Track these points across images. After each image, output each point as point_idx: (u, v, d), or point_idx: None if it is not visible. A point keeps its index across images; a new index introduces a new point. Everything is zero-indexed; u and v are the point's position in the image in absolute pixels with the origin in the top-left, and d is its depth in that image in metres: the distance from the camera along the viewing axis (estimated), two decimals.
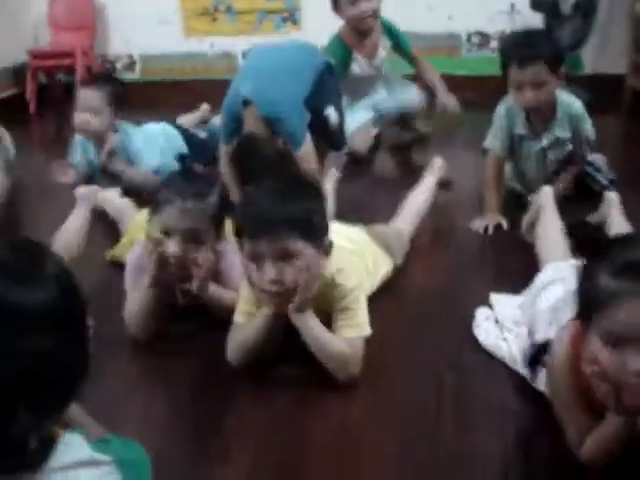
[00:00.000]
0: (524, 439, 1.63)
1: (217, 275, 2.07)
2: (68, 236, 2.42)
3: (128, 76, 5.31)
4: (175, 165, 3.08)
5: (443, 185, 2.82)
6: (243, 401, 1.78)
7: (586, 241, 2.12)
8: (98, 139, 3.21)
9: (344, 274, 1.82)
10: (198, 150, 3.36)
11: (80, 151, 3.29)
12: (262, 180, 1.87)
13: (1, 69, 4.97)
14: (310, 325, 1.78)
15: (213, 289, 2.03)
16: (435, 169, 2.78)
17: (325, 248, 1.78)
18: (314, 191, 1.84)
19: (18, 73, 5.13)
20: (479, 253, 2.57)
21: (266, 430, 1.68)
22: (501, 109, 2.82)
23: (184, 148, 3.35)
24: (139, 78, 5.25)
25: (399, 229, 2.44)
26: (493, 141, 2.84)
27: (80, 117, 3.14)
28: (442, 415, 1.69)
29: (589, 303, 1.33)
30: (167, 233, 1.93)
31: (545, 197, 2.46)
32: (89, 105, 3.13)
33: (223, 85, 4.02)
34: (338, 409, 1.73)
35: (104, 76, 3.63)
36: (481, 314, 2.06)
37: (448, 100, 3.69)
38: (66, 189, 2.92)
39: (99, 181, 3.10)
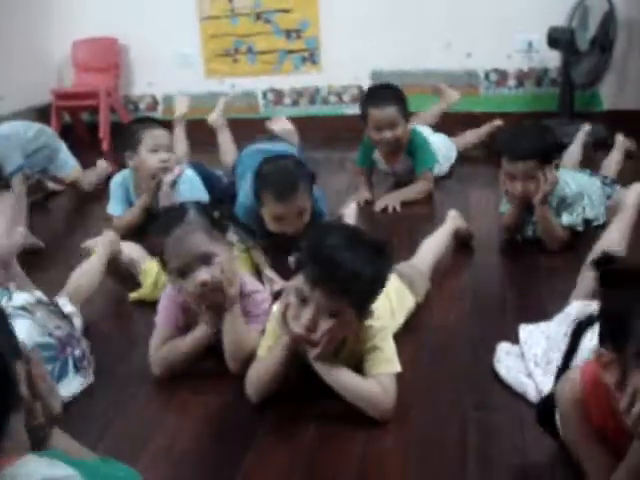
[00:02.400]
0: (546, 478, 1.62)
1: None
2: (82, 278, 2.41)
3: (151, 116, 5.40)
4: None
5: (463, 239, 2.85)
6: (264, 438, 1.79)
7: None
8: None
9: (372, 315, 1.84)
10: (217, 189, 3.40)
11: (121, 195, 3.30)
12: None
13: (26, 109, 5.06)
14: (334, 373, 1.80)
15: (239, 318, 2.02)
16: (451, 218, 2.80)
17: (366, 314, 1.80)
18: (386, 258, 1.82)
19: (42, 113, 5.22)
20: (499, 289, 2.57)
21: (287, 467, 1.68)
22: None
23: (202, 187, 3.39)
24: (161, 118, 5.33)
25: (421, 268, 2.45)
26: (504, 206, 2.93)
27: (159, 157, 3.15)
28: (466, 452, 1.68)
29: (629, 345, 1.29)
30: (183, 272, 1.95)
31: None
32: (164, 143, 3.19)
33: (244, 124, 4.10)
34: (360, 447, 1.73)
35: (154, 119, 3.65)
36: (502, 350, 2.06)
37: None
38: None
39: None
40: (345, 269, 1.67)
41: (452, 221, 2.79)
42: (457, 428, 1.77)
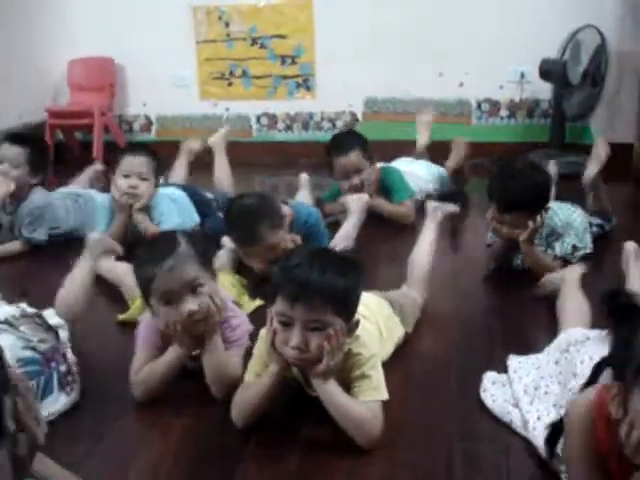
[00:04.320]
0: None
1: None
2: (71, 291, 2.37)
3: (144, 136, 5.43)
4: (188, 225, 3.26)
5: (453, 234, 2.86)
6: (250, 462, 1.79)
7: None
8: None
9: (359, 341, 1.85)
10: (207, 212, 3.47)
11: (105, 215, 3.38)
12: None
13: (20, 126, 5.07)
14: (332, 392, 1.80)
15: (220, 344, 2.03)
16: (432, 217, 2.82)
17: (352, 325, 1.82)
18: (357, 269, 1.86)
19: (36, 131, 5.23)
20: (485, 319, 2.58)
21: None
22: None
23: (192, 209, 3.44)
24: (155, 139, 5.36)
25: (414, 297, 2.46)
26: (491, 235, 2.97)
27: (129, 182, 3.24)
28: None
29: (629, 368, 1.32)
30: (168, 300, 1.96)
31: (572, 274, 2.49)
32: (137, 171, 3.26)
33: (237, 147, 4.11)
34: (346, 475, 1.72)
35: (144, 145, 3.70)
36: (488, 379, 2.06)
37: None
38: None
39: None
40: (320, 278, 1.72)
41: (435, 218, 2.80)
42: (443, 458, 1.77)
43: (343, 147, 3.57)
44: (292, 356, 1.76)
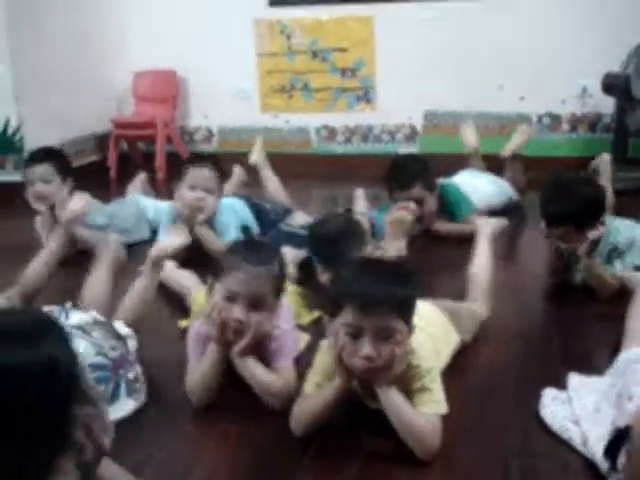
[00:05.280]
0: None
1: (264, 352, 2.10)
2: (95, 290, 2.48)
3: (206, 147, 5.53)
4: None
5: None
6: (308, 472, 1.80)
7: None
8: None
9: (416, 354, 1.86)
10: (266, 222, 3.54)
11: (166, 223, 3.40)
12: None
13: (87, 136, 5.23)
14: (395, 400, 1.81)
15: (253, 363, 2.05)
16: (482, 231, 2.82)
17: (412, 327, 1.84)
18: (415, 276, 1.92)
19: (101, 141, 5.38)
20: (546, 333, 2.56)
21: None
22: None
23: (253, 220, 3.52)
24: (216, 150, 5.44)
25: (474, 309, 2.47)
26: None
27: (196, 195, 3.28)
28: None
29: None
30: (231, 298, 2.00)
31: None
32: (204, 184, 3.30)
33: (296, 159, 4.16)
34: None
35: (209, 158, 3.76)
36: (548, 395, 2.05)
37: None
38: None
39: None
40: (387, 287, 1.76)
41: (485, 233, 2.81)
42: (500, 472, 1.77)
43: (405, 181, 3.46)
44: (361, 367, 1.77)
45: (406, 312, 1.81)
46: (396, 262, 2.13)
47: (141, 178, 4.27)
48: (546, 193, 2.82)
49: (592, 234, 2.65)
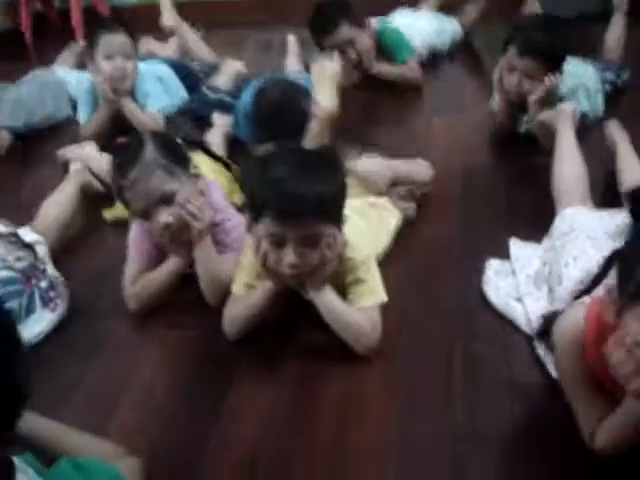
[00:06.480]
0: (532, 416, 1.58)
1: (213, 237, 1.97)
2: (52, 208, 2.28)
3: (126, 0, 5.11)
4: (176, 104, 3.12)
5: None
6: (247, 372, 1.75)
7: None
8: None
9: (349, 246, 1.74)
10: (193, 85, 3.26)
11: (87, 101, 3.12)
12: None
13: None
14: (328, 299, 1.73)
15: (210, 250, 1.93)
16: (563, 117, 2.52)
17: (342, 225, 1.70)
18: (339, 168, 1.72)
19: (12, 4, 4.95)
20: (490, 194, 2.44)
21: (272, 402, 1.66)
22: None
23: (180, 85, 3.25)
24: (138, 2, 5.03)
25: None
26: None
27: (114, 64, 2.94)
28: (453, 387, 1.65)
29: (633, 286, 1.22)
30: (142, 214, 1.87)
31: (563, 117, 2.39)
32: (121, 50, 2.95)
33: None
34: (344, 382, 1.69)
35: (118, 19, 3.37)
36: (491, 268, 1.98)
37: None
38: None
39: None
40: (311, 190, 1.57)
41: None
42: (443, 363, 1.72)
43: (327, 26, 3.22)
44: (289, 273, 1.66)
45: (333, 214, 1.65)
46: (317, 152, 1.85)
47: (73, 49, 3.91)
48: (534, 21, 2.76)
49: (549, 80, 2.50)
